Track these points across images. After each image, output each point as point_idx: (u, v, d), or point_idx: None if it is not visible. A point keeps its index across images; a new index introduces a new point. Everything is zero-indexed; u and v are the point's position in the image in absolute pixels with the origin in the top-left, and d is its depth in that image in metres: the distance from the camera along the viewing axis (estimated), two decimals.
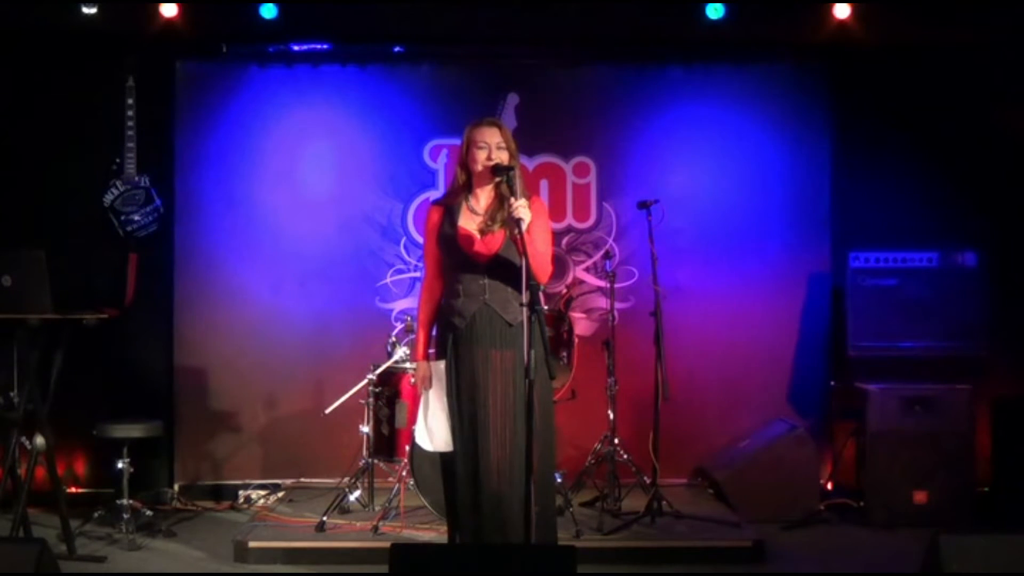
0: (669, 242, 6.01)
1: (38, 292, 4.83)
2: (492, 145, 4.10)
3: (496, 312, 4.07)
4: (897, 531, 5.59)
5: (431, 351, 4.27)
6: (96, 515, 5.49)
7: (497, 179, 4.10)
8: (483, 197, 4.20)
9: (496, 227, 4.09)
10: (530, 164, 6.36)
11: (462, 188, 4.22)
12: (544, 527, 4.00)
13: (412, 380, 5.41)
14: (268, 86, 6.42)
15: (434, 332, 4.28)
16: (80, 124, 6.21)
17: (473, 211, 4.19)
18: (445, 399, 4.16)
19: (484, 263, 4.11)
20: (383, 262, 6.44)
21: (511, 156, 4.11)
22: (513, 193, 3.96)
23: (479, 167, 4.13)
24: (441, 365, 4.18)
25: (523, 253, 3.79)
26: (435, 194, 6.38)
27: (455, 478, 4.14)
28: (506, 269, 4.07)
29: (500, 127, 4.17)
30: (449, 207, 4.21)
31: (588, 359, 5.68)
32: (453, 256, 4.15)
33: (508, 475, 4.02)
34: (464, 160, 4.19)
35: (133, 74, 6.06)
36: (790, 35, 6.30)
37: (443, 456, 4.20)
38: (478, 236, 4.11)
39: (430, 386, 4.22)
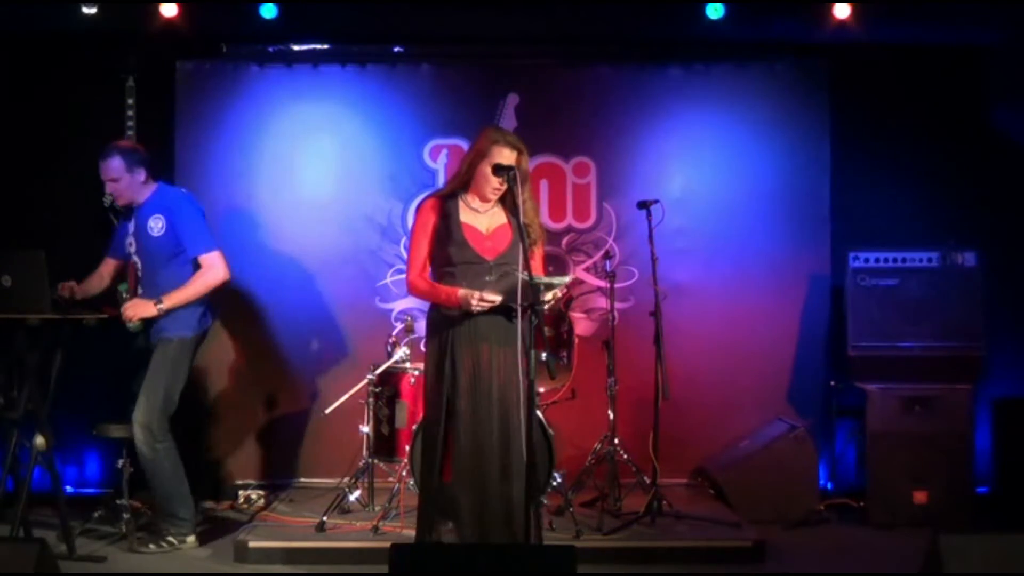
0: (669, 242, 6.01)
1: (38, 292, 4.82)
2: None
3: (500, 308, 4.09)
4: (897, 531, 5.59)
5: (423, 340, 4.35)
6: (96, 515, 5.49)
7: (498, 178, 4.13)
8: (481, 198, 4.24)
9: (501, 221, 4.13)
10: (530, 164, 6.32)
11: (460, 186, 4.24)
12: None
13: (412, 380, 5.42)
14: (268, 86, 6.42)
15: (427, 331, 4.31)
16: (80, 124, 6.20)
17: (473, 208, 4.21)
18: None
19: (491, 260, 4.13)
20: (383, 262, 6.44)
21: (523, 180, 4.09)
22: (513, 193, 3.97)
23: (486, 185, 4.16)
24: None
25: (526, 256, 3.87)
26: None
27: (434, 472, 4.18)
28: (511, 267, 4.08)
29: (522, 151, 4.18)
30: (445, 205, 4.23)
31: (588, 359, 5.68)
32: (458, 254, 4.16)
33: (504, 473, 4.05)
34: (472, 165, 4.20)
35: (133, 74, 6.05)
36: (790, 35, 6.30)
37: (424, 447, 4.23)
38: (484, 232, 4.14)
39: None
